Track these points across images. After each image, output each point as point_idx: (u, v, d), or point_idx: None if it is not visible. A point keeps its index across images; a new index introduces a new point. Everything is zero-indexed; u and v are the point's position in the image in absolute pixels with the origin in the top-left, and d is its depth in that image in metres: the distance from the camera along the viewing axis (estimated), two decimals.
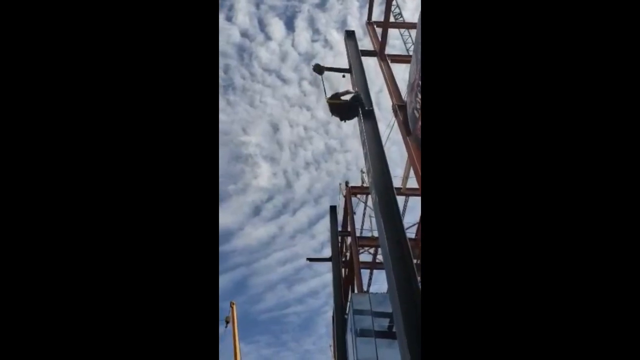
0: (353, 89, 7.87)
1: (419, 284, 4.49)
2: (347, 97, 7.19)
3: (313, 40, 63.94)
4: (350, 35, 9.15)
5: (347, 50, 8.88)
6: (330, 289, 14.46)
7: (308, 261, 16.65)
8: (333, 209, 16.25)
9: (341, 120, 7.23)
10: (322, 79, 7.50)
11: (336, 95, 7.20)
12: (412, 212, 17.21)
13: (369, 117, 6.83)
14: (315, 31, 65.00)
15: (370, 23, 10.83)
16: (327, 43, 60.70)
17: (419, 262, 13.77)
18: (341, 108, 7.10)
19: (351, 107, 7.01)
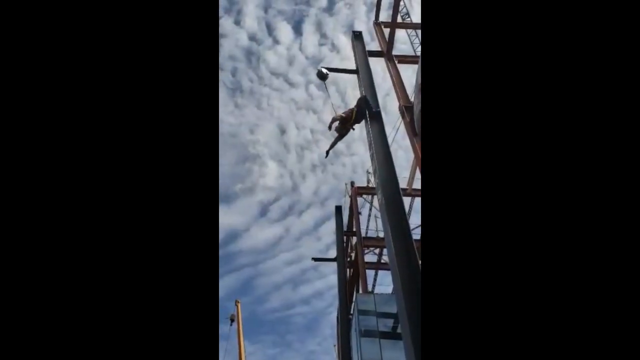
0: (360, 90, 7.86)
1: None
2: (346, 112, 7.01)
3: (320, 44, 64.02)
4: (357, 37, 9.15)
5: (354, 51, 8.88)
6: (335, 291, 14.49)
7: (313, 261, 16.71)
8: (338, 209, 16.27)
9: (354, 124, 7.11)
10: (326, 86, 7.43)
11: (342, 122, 6.93)
12: (418, 212, 17.20)
13: (376, 119, 6.83)
14: (323, 35, 65.12)
15: (377, 23, 10.83)
16: (334, 47, 60.78)
17: None
18: (356, 117, 7.00)
19: (359, 110, 6.96)
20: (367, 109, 6.89)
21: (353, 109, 6.99)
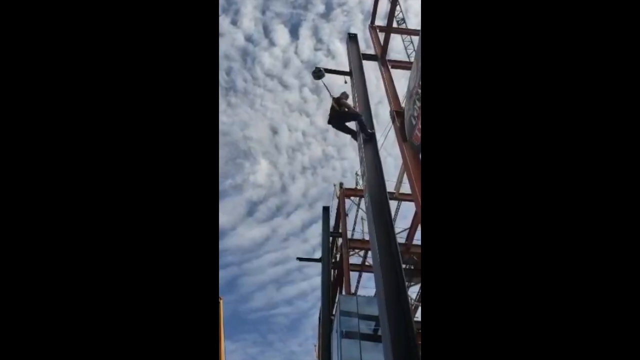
0: (352, 93, 7.91)
1: (407, 290, 4.55)
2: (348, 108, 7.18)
3: (316, 49, 64.00)
4: (352, 39, 9.19)
5: (349, 53, 8.92)
6: (318, 293, 14.52)
7: (298, 261, 16.73)
8: (326, 209, 16.34)
9: (328, 123, 7.27)
10: (324, 83, 7.51)
11: (339, 101, 7.13)
12: (404, 217, 17.33)
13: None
14: (319, 40, 65.20)
15: (373, 26, 10.88)
16: (329, 52, 60.81)
17: (408, 267, 13.83)
18: (339, 115, 7.11)
19: (347, 119, 7.06)
20: (362, 132, 6.98)
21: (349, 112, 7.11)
